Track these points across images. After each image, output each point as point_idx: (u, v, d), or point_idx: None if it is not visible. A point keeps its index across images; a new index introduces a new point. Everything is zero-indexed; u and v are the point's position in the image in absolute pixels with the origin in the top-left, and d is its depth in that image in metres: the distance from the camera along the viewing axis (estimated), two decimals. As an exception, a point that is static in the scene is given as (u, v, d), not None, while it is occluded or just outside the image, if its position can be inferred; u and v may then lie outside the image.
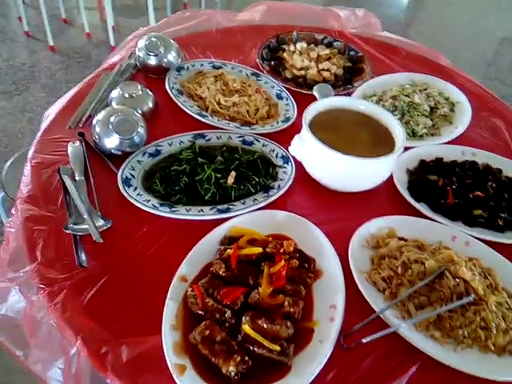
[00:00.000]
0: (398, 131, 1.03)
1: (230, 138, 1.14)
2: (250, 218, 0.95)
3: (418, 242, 0.93)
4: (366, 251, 0.92)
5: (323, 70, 1.41)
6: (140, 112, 1.12)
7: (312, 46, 1.50)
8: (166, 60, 1.31)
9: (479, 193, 1.05)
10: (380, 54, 1.56)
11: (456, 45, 3.81)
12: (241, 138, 1.14)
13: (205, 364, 0.72)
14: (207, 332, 0.74)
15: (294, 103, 1.28)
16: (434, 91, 1.35)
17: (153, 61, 1.30)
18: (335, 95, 1.25)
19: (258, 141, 1.14)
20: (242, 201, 0.99)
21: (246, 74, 1.37)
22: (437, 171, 1.11)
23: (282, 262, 0.84)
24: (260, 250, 0.87)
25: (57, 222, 0.92)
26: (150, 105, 1.20)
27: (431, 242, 0.94)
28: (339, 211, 1.04)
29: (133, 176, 1.02)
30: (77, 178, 1.01)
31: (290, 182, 1.04)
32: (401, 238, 0.94)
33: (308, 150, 1.02)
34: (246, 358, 0.71)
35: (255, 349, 0.73)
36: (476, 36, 4.03)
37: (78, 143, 1.08)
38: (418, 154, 1.16)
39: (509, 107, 1.42)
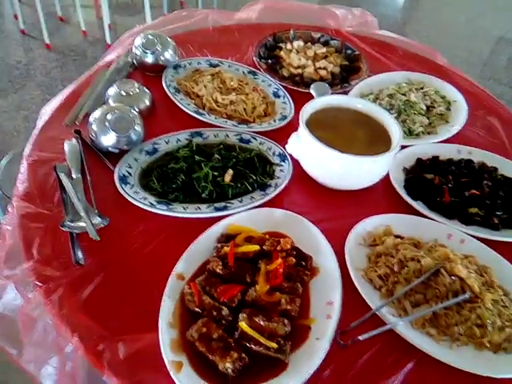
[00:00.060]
0: (394, 130, 1.03)
1: (227, 136, 1.14)
2: (247, 216, 0.95)
3: (414, 240, 0.94)
4: (362, 249, 0.93)
5: (320, 68, 1.41)
6: (137, 110, 1.12)
7: (309, 44, 1.51)
8: (162, 58, 1.31)
9: (475, 191, 1.05)
10: (377, 53, 1.57)
11: (452, 44, 3.82)
12: (238, 136, 1.14)
13: (202, 361, 0.72)
14: (204, 329, 0.74)
15: (291, 101, 1.28)
16: (430, 90, 1.35)
17: (149, 58, 1.30)
18: (332, 93, 1.26)
19: (255, 139, 1.14)
20: (239, 199, 1.00)
21: (243, 72, 1.37)
22: (433, 170, 1.11)
23: (279, 260, 0.84)
24: (257, 247, 0.87)
25: (53, 220, 0.91)
26: (147, 103, 1.20)
27: (427, 239, 0.94)
28: (336, 209, 1.04)
29: (130, 174, 1.02)
30: (73, 176, 1.00)
31: (286, 180, 1.04)
32: (397, 236, 0.95)
33: (305, 148, 1.02)
34: (243, 355, 0.72)
35: (252, 346, 0.73)
36: (472, 35, 4.05)
37: (74, 141, 1.07)
38: (415, 152, 1.16)
39: (504, 106, 1.42)
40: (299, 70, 1.40)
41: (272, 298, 0.80)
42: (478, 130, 1.30)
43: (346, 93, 1.32)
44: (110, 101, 1.16)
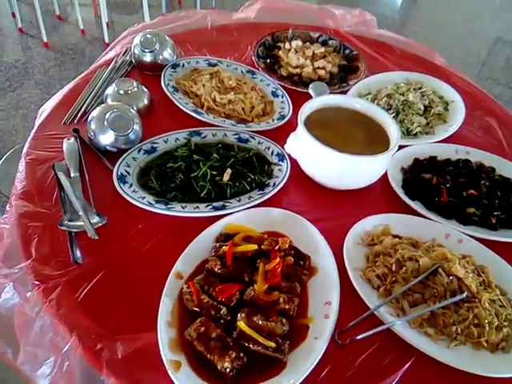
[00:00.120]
0: (392, 129, 1.03)
1: (225, 135, 1.14)
2: (246, 216, 0.95)
3: (412, 240, 0.94)
4: (360, 248, 0.93)
5: (318, 68, 1.41)
6: (135, 109, 1.12)
7: (307, 44, 1.51)
8: (161, 57, 1.31)
9: (473, 191, 1.06)
10: (375, 53, 1.57)
11: (450, 44, 3.83)
12: (236, 136, 1.14)
13: (200, 360, 0.72)
14: (202, 329, 0.74)
15: (290, 101, 1.28)
16: (428, 90, 1.35)
17: (148, 57, 1.30)
18: (330, 93, 1.26)
19: (253, 138, 1.14)
20: (238, 198, 1.00)
21: (242, 72, 1.37)
22: (431, 169, 1.11)
23: (278, 259, 0.84)
24: (255, 247, 0.87)
25: (52, 219, 0.92)
26: (146, 102, 1.20)
27: (425, 239, 0.95)
28: (334, 209, 1.04)
29: (128, 173, 1.02)
30: (72, 175, 1.00)
31: (285, 180, 1.04)
32: (395, 236, 0.95)
33: (303, 148, 1.03)
34: (242, 355, 0.72)
35: (250, 345, 0.74)
36: (470, 36, 4.06)
37: (72, 140, 1.07)
38: (413, 152, 1.16)
39: (502, 106, 1.43)
40: (298, 70, 1.40)
41: (270, 297, 0.80)
42: (475, 130, 1.31)
43: (344, 92, 1.32)
44: (109, 100, 1.16)
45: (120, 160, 1.03)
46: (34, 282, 0.81)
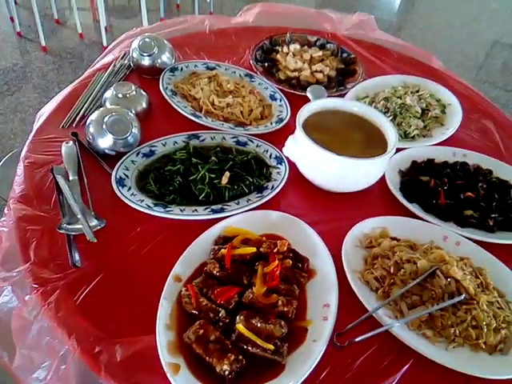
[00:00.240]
0: (390, 132, 1.04)
1: (223, 138, 1.14)
2: (244, 218, 0.96)
3: (410, 242, 0.94)
4: (358, 251, 0.93)
5: (316, 71, 1.42)
6: (134, 112, 1.12)
7: (305, 47, 1.51)
8: (159, 60, 1.31)
9: (470, 193, 1.06)
10: (372, 56, 1.58)
11: (448, 48, 3.84)
12: (235, 139, 1.14)
13: (199, 363, 0.72)
14: (201, 331, 0.74)
15: (288, 104, 1.28)
16: (425, 93, 1.36)
17: (146, 61, 1.30)
18: (328, 96, 1.26)
19: (251, 141, 1.14)
20: (236, 201, 1.00)
21: (240, 75, 1.37)
22: (428, 172, 1.12)
23: (276, 262, 0.84)
24: (254, 249, 0.88)
25: (50, 222, 0.92)
26: (144, 105, 1.20)
27: (423, 241, 0.95)
28: (332, 211, 1.04)
29: (126, 176, 1.02)
30: (70, 178, 1.00)
31: (283, 183, 1.04)
32: (393, 238, 0.95)
33: (301, 151, 1.03)
34: (240, 357, 0.72)
35: (249, 348, 0.74)
36: (467, 39, 4.07)
37: (71, 143, 1.08)
38: (410, 155, 1.17)
39: (499, 109, 1.44)
40: (295, 73, 1.41)
41: (269, 299, 0.80)
42: (472, 133, 1.31)
43: (342, 96, 1.33)
44: (107, 103, 1.16)
45: (118, 163, 1.03)
46: (33, 285, 0.81)
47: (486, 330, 0.80)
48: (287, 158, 1.08)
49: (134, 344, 0.75)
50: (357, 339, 0.78)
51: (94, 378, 0.73)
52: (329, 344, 0.76)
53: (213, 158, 1.06)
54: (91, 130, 1.05)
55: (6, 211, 0.95)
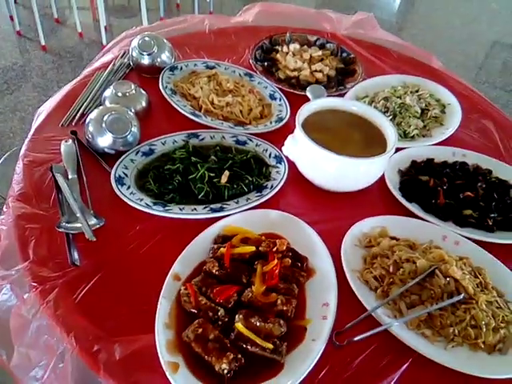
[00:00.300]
0: (389, 132, 1.04)
1: (223, 137, 1.14)
2: (243, 217, 0.96)
3: (409, 242, 0.94)
4: (358, 250, 0.93)
5: (316, 71, 1.42)
6: (133, 111, 1.12)
7: (305, 47, 1.51)
8: (159, 59, 1.31)
9: (469, 193, 1.06)
10: (372, 56, 1.58)
11: (448, 48, 3.84)
12: (234, 138, 1.14)
13: (198, 362, 0.72)
14: (200, 330, 0.74)
15: (287, 104, 1.28)
16: (425, 93, 1.36)
17: (146, 60, 1.30)
18: (328, 96, 1.26)
19: (251, 140, 1.14)
20: (236, 200, 1.00)
21: (240, 75, 1.37)
22: (428, 172, 1.12)
23: (275, 261, 0.84)
24: (253, 248, 0.87)
25: (49, 221, 0.91)
26: (144, 104, 1.20)
27: (422, 241, 0.95)
28: (332, 211, 1.04)
29: (126, 175, 1.02)
30: (69, 177, 1.00)
31: (282, 182, 1.04)
32: (393, 238, 0.95)
33: (301, 150, 1.03)
34: (239, 356, 0.72)
35: (248, 347, 0.73)
36: (468, 39, 4.08)
37: (70, 142, 1.07)
38: (410, 154, 1.17)
39: (499, 109, 1.44)
40: (295, 73, 1.41)
41: (268, 298, 0.80)
42: (472, 133, 1.31)
43: (341, 95, 1.33)
44: (107, 102, 1.16)
45: (118, 162, 1.03)
46: (32, 283, 0.81)
47: (484, 329, 0.80)
48: (287, 158, 1.08)
49: (133, 343, 0.75)
50: (356, 338, 0.78)
51: (92, 376, 0.73)
52: (328, 343, 0.76)
53: (212, 157, 1.06)
54: (90, 128, 1.05)
55: (4, 209, 0.95)
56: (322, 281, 0.86)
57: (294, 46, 1.49)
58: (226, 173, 1.02)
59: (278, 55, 1.47)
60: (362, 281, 0.87)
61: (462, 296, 0.82)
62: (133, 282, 0.85)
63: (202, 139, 1.13)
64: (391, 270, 0.87)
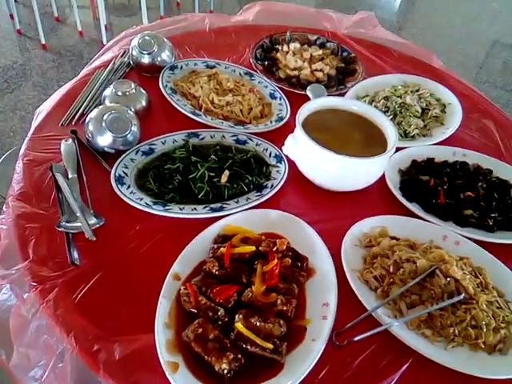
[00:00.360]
0: (390, 132, 1.04)
1: (223, 137, 1.14)
2: (244, 217, 0.95)
3: (409, 242, 0.94)
4: (358, 250, 0.93)
5: (316, 70, 1.41)
6: (133, 110, 1.12)
7: (305, 46, 1.51)
8: (159, 58, 1.31)
9: (470, 193, 1.06)
10: (372, 55, 1.57)
11: (448, 47, 3.84)
12: (234, 137, 1.14)
13: (198, 362, 0.72)
14: (200, 330, 0.74)
15: (288, 103, 1.28)
16: (425, 92, 1.36)
17: (146, 59, 1.30)
18: (328, 95, 1.26)
19: (251, 140, 1.14)
20: (236, 199, 1.00)
21: (240, 74, 1.37)
22: (428, 171, 1.12)
23: (275, 261, 0.84)
24: (253, 248, 0.87)
25: (49, 220, 0.91)
26: (144, 103, 1.20)
27: (423, 241, 0.95)
28: (332, 210, 1.04)
29: (126, 174, 1.02)
30: (69, 176, 1.00)
31: (283, 181, 1.04)
32: (393, 238, 0.95)
33: (301, 150, 1.03)
34: (239, 356, 0.72)
35: (248, 347, 0.73)
36: (468, 38, 4.07)
37: (70, 141, 1.07)
38: (410, 154, 1.17)
39: (499, 109, 1.43)
40: (295, 72, 1.41)
41: (268, 298, 0.80)
42: (472, 133, 1.31)
43: (342, 95, 1.33)
44: (107, 101, 1.16)
45: (118, 161, 1.03)
46: (31, 283, 0.81)
47: (485, 329, 0.80)
48: (287, 157, 1.08)
49: (132, 342, 0.75)
50: (356, 338, 0.78)
51: (91, 376, 0.73)
52: (328, 343, 0.76)
53: (212, 156, 1.06)
54: (90, 127, 1.05)
55: (4, 209, 0.95)
56: (322, 281, 0.86)
57: (295, 45, 1.48)
58: (226, 172, 1.02)
59: (279, 54, 1.46)
60: (362, 281, 0.87)
61: (462, 296, 0.82)
62: (133, 282, 0.85)
63: (202, 138, 1.13)
64: (391, 269, 0.87)
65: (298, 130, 1.00)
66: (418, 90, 1.37)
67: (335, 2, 4.35)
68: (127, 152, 1.06)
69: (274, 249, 0.87)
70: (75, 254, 0.86)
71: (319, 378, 0.74)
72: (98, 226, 0.91)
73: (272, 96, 1.31)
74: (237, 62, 1.44)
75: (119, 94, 1.16)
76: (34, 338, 0.80)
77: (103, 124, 1.03)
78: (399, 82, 1.41)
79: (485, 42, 4.10)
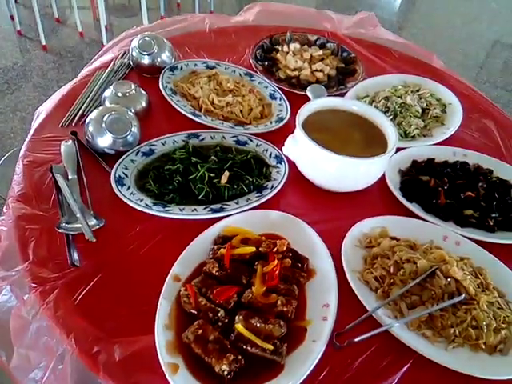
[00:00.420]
0: (390, 132, 1.03)
1: (223, 137, 1.14)
2: (244, 218, 0.95)
3: (410, 242, 0.94)
4: (358, 251, 0.93)
5: (316, 70, 1.41)
6: (133, 111, 1.12)
7: (305, 46, 1.51)
8: (159, 59, 1.31)
9: (470, 193, 1.06)
10: (373, 56, 1.57)
11: (448, 47, 3.84)
12: (234, 138, 1.14)
13: (198, 363, 0.72)
14: (200, 331, 0.74)
15: (288, 103, 1.28)
16: (425, 92, 1.36)
17: (146, 60, 1.30)
18: (328, 96, 1.26)
19: (251, 141, 1.14)
20: (236, 200, 0.99)
21: (240, 74, 1.37)
22: (428, 172, 1.11)
23: (275, 262, 0.84)
24: (253, 249, 0.87)
25: (49, 221, 0.91)
26: (144, 104, 1.20)
27: (423, 241, 0.95)
28: (332, 211, 1.04)
29: (126, 175, 1.02)
30: (69, 177, 1.00)
31: (283, 182, 1.04)
32: (393, 238, 0.95)
33: (301, 150, 1.03)
34: (239, 357, 0.71)
35: (248, 348, 0.73)
36: (468, 38, 4.07)
37: (70, 142, 1.07)
38: (410, 154, 1.17)
39: (500, 109, 1.43)
40: (295, 72, 1.41)
41: (268, 299, 0.80)
42: (473, 133, 1.31)
43: (342, 95, 1.33)
44: (107, 102, 1.16)
45: (118, 162, 1.03)
46: (32, 284, 0.81)
47: (485, 330, 0.80)
48: (287, 158, 1.08)
49: (132, 344, 0.75)
50: (356, 339, 0.77)
51: (91, 377, 0.73)
52: (328, 344, 0.76)
53: (212, 157, 1.05)
54: (90, 128, 1.05)
55: (4, 210, 0.95)
56: (322, 281, 0.86)
57: (295, 46, 1.48)
58: (226, 173, 1.02)
59: (279, 55, 1.46)
60: (362, 281, 0.87)
61: (462, 296, 0.82)
62: (133, 283, 0.85)
63: (202, 139, 1.13)
64: (392, 270, 0.87)
65: (298, 131, 1.00)
66: (418, 90, 1.36)
67: (335, 3, 4.35)
68: (127, 153, 1.05)
69: (274, 250, 0.87)
70: (75, 256, 0.86)
71: (319, 379, 0.74)
72: (98, 227, 0.91)
73: (272, 96, 1.31)
74: (237, 62, 1.44)
75: (119, 94, 1.16)
76: (34, 340, 0.80)
77: (103, 125, 1.03)
78: (399, 82, 1.40)
79: (485, 42, 4.10)
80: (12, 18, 3.40)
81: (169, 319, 0.77)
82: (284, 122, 1.22)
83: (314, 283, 0.86)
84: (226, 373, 0.70)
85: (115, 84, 1.18)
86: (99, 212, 0.94)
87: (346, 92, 1.35)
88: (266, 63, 1.43)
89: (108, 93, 1.17)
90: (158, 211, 0.94)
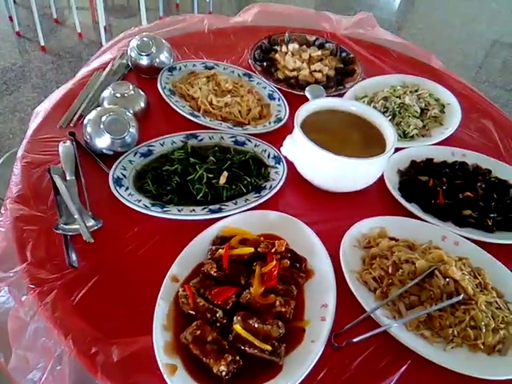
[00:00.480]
0: (389, 132, 1.03)
1: (222, 138, 1.14)
2: (242, 218, 0.95)
3: (408, 242, 0.94)
4: (357, 251, 0.93)
5: (315, 71, 1.41)
6: (132, 112, 1.12)
7: (304, 47, 1.51)
8: (157, 60, 1.31)
9: (469, 193, 1.06)
10: (371, 56, 1.57)
11: (447, 47, 3.84)
12: (233, 139, 1.14)
13: (196, 364, 0.72)
14: (198, 332, 0.74)
15: (286, 104, 1.28)
16: (424, 93, 1.36)
17: (145, 61, 1.30)
18: (327, 96, 1.26)
19: (250, 141, 1.14)
20: (234, 201, 0.99)
21: (238, 75, 1.37)
22: (427, 172, 1.11)
23: (274, 262, 0.84)
24: (252, 249, 0.87)
25: (47, 222, 0.91)
26: (142, 105, 1.20)
27: (421, 241, 0.95)
28: (330, 211, 1.04)
29: (124, 176, 1.01)
30: (67, 178, 1.00)
31: (281, 183, 1.04)
32: (392, 238, 0.95)
33: (300, 151, 1.03)
34: (237, 358, 0.71)
35: (246, 348, 0.73)
36: (467, 38, 4.07)
37: (68, 143, 1.07)
38: (409, 154, 1.17)
39: (498, 109, 1.43)
40: (294, 73, 1.41)
41: (266, 300, 0.80)
42: (471, 133, 1.31)
43: (340, 95, 1.33)
44: (105, 103, 1.16)
45: (116, 163, 1.03)
46: (30, 285, 0.81)
47: (484, 330, 0.79)
48: (285, 158, 1.08)
49: (130, 345, 0.74)
50: (355, 340, 0.77)
51: (89, 378, 0.72)
52: (327, 344, 0.76)
53: (211, 157, 1.05)
54: (89, 129, 1.05)
55: (2, 211, 0.94)
56: (320, 282, 0.86)
57: (293, 46, 1.48)
58: (225, 173, 1.01)
59: (277, 55, 1.46)
60: (360, 282, 0.87)
61: (461, 297, 0.82)
62: (131, 284, 0.84)
63: (201, 140, 1.13)
64: (390, 270, 0.87)
65: (297, 131, 1.00)
66: (417, 91, 1.37)
67: (334, 3, 4.35)
68: (125, 154, 1.05)
69: (273, 250, 0.87)
70: (73, 256, 0.86)
71: (318, 380, 0.74)
72: (96, 228, 0.91)
73: (271, 97, 1.31)
74: (235, 63, 1.43)
75: (117, 95, 1.16)
76: (32, 341, 0.80)
77: (101, 126, 1.03)
78: (398, 82, 1.40)
79: (484, 41, 4.10)
80: (11, 18, 3.39)
81: (167, 320, 0.77)
82: (282, 122, 1.22)
83: (313, 284, 0.86)
84: (224, 373, 0.70)
85: (113, 85, 1.18)
86: (97, 213, 0.94)
87: (345, 92, 1.35)
88: (265, 64, 1.43)
89: (106, 93, 1.17)
90: (156, 212, 0.94)
